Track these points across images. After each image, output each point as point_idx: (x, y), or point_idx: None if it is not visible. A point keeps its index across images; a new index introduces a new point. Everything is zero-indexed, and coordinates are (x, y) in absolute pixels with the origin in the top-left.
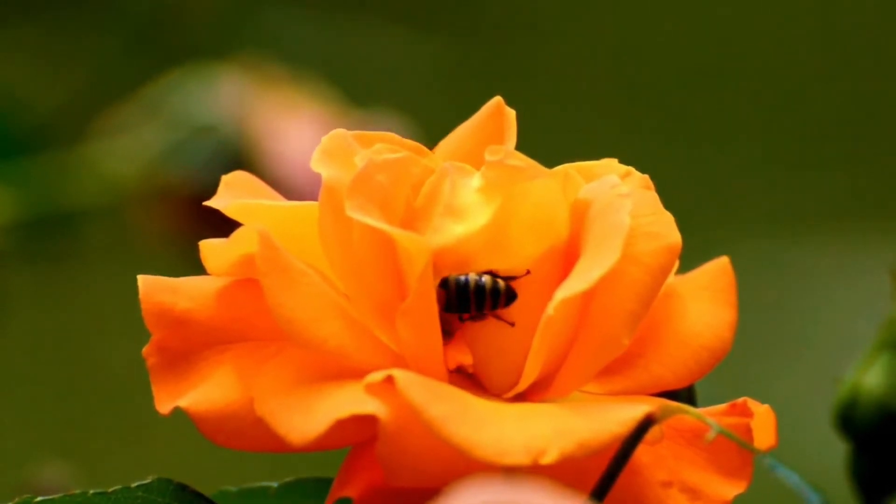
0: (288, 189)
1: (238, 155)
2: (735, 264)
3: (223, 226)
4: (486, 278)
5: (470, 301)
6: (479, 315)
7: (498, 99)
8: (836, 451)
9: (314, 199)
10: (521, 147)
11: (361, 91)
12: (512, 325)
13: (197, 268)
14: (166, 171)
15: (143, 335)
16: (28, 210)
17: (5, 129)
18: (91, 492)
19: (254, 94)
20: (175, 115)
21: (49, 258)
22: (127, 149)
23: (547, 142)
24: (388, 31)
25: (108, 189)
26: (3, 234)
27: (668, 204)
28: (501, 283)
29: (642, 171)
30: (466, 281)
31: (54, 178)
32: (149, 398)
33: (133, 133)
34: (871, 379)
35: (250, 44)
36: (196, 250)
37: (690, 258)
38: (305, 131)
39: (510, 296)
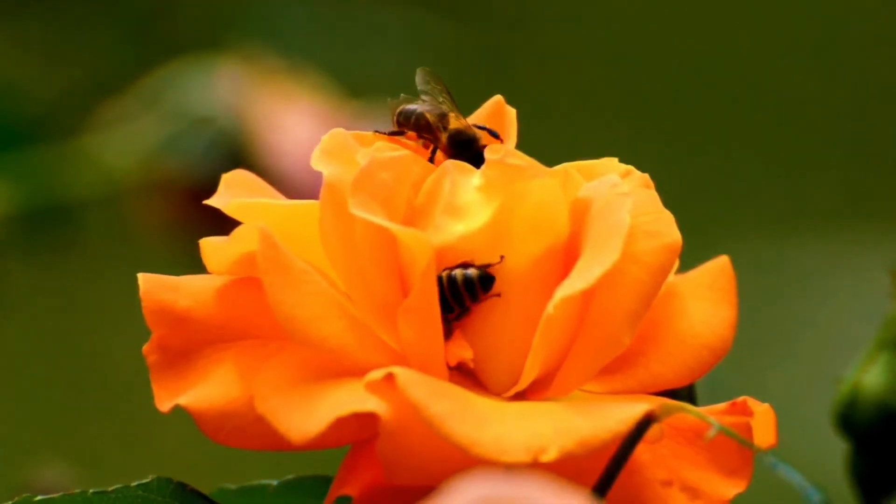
0: (286, 180)
1: (236, 146)
2: (734, 264)
3: (222, 217)
4: (457, 272)
5: (447, 299)
6: (463, 311)
7: (498, 97)
8: (835, 451)
9: (312, 190)
10: (523, 140)
11: (361, 81)
12: (498, 295)
13: (196, 258)
14: (164, 162)
15: (143, 328)
16: (26, 201)
17: (3, 121)
18: (91, 491)
19: (251, 86)
20: (173, 106)
21: (47, 250)
22: (125, 140)
23: (547, 138)
24: (388, 16)
25: (106, 180)
26: (1, 225)
27: (668, 203)
28: (473, 271)
29: (642, 169)
30: (439, 279)
31: (52, 170)
32: (149, 394)
33: (131, 124)
34: (870, 378)
35: (248, 34)
36: (195, 241)
37: (690, 257)
38: (303, 122)
39: (485, 280)
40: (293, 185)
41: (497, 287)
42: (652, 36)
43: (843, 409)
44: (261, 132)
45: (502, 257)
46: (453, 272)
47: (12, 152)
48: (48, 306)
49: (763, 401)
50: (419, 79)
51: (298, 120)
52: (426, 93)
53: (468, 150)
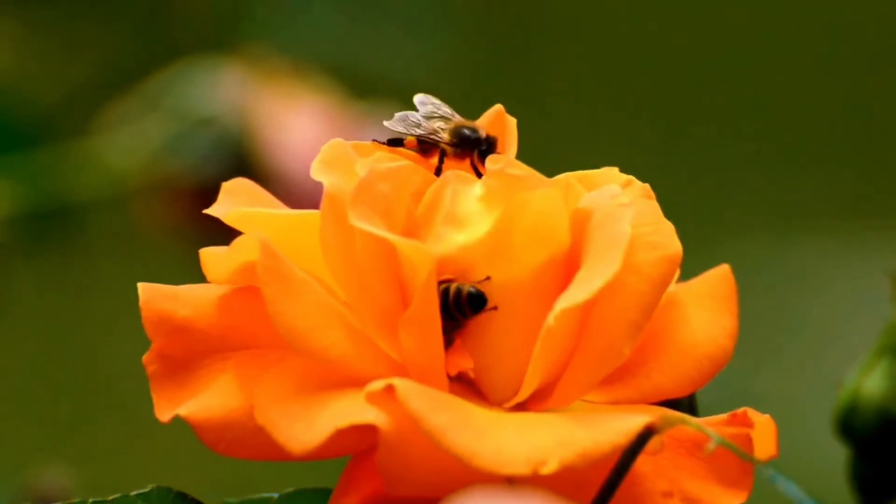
0: (290, 181)
1: (239, 147)
2: (734, 265)
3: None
4: (451, 287)
5: (445, 311)
6: (456, 325)
7: (499, 107)
8: (836, 456)
9: (316, 192)
10: (523, 143)
11: (367, 81)
12: (495, 308)
13: (199, 260)
14: (168, 162)
15: (146, 332)
16: (31, 203)
17: (8, 122)
18: (90, 500)
19: (255, 86)
20: (177, 107)
21: (51, 251)
22: (129, 141)
23: (548, 140)
24: (394, 17)
25: (110, 181)
26: (5, 226)
27: (668, 203)
28: (464, 289)
29: (640, 170)
30: (443, 291)
31: (56, 171)
32: (150, 400)
33: (135, 125)
34: (871, 384)
35: (252, 35)
36: (199, 242)
37: (689, 258)
38: (307, 123)
39: (474, 301)
40: (297, 186)
41: (497, 298)
42: (652, 35)
43: (844, 414)
44: (265, 133)
45: (488, 277)
46: (447, 288)
47: (17, 153)
48: (51, 308)
49: (761, 403)
50: (417, 101)
51: (303, 121)
52: (425, 105)
53: (473, 142)
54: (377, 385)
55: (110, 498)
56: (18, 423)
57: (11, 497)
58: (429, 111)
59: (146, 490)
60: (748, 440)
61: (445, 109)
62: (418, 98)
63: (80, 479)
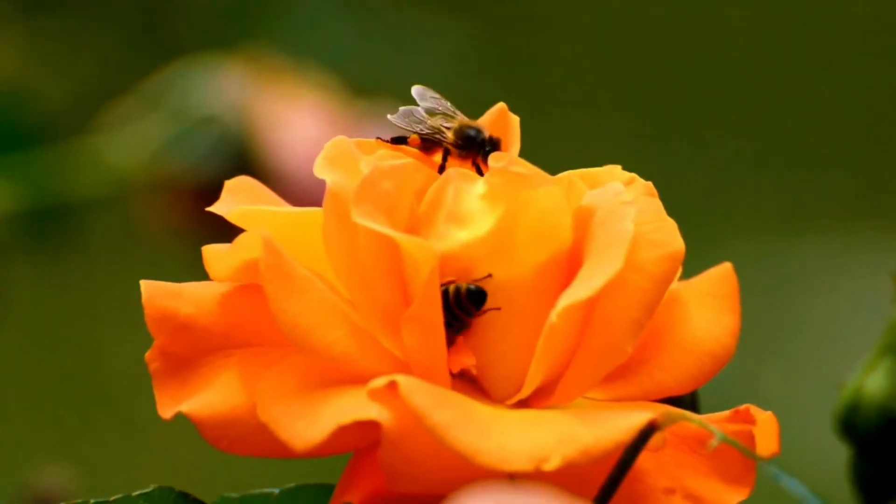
0: (290, 180)
1: (240, 146)
2: (736, 262)
3: (225, 219)
4: (451, 287)
5: (447, 312)
6: (460, 325)
7: (501, 105)
8: (836, 455)
9: (317, 190)
10: (525, 142)
11: (367, 80)
12: (498, 309)
13: (199, 259)
14: (169, 162)
15: (147, 330)
16: (32, 201)
17: (10, 122)
18: (92, 501)
19: (256, 85)
20: (178, 106)
21: (52, 249)
22: (130, 140)
23: (550, 138)
24: (395, 15)
25: (111, 180)
26: (5, 225)
27: (668, 202)
28: (463, 287)
29: (642, 169)
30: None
31: (58, 170)
32: (151, 398)
33: (136, 124)
34: (872, 383)
35: (254, 34)
36: (200, 241)
37: (690, 257)
38: (307, 121)
39: (474, 297)
40: (298, 185)
41: (500, 295)
42: (653, 35)
43: (846, 413)
44: (266, 132)
45: (490, 275)
46: (446, 289)
47: (19, 152)
48: (51, 307)
49: (763, 400)
50: (416, 94)
51: (303, 120)
52: (424, 100)
53: (477, 143)
54: (380, 382)
55: (112, 498)
56: (18, 423)
57: (11, 497)
58: (430, 107)
59: (148, 490)
60: (750, 437)
61: (445, 103)
62: (416, 90)
63: (80, 478)
